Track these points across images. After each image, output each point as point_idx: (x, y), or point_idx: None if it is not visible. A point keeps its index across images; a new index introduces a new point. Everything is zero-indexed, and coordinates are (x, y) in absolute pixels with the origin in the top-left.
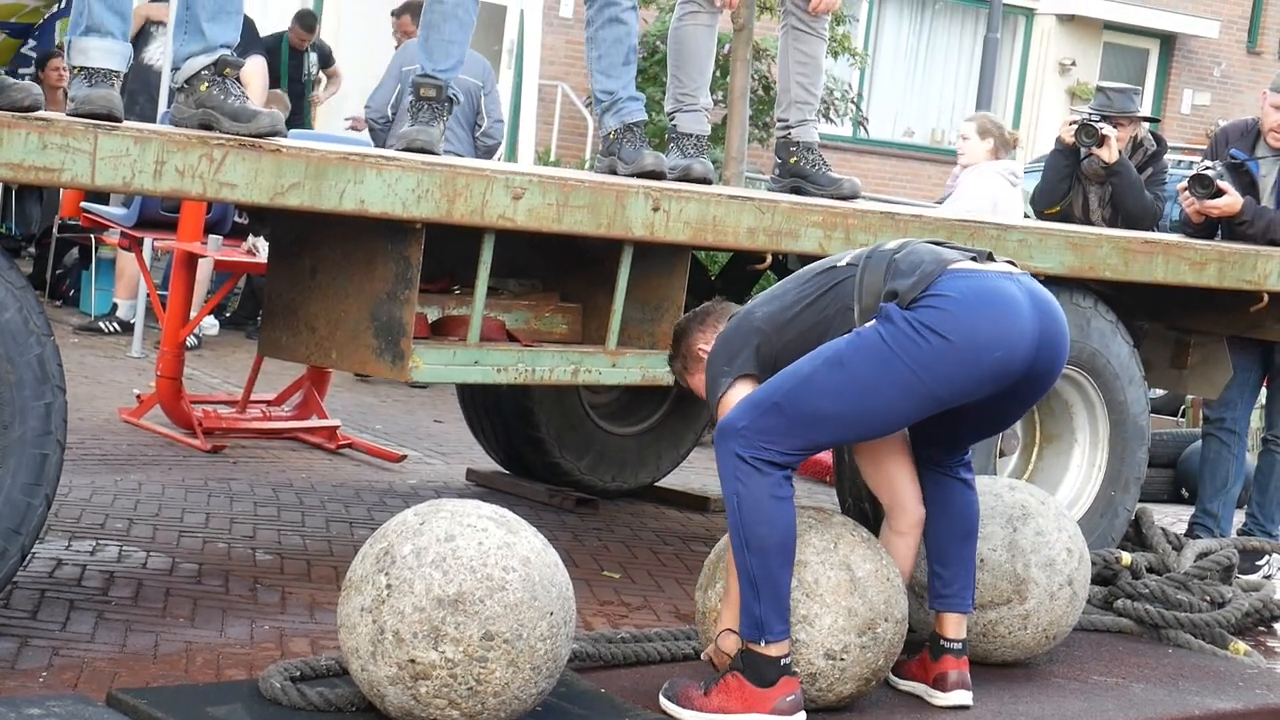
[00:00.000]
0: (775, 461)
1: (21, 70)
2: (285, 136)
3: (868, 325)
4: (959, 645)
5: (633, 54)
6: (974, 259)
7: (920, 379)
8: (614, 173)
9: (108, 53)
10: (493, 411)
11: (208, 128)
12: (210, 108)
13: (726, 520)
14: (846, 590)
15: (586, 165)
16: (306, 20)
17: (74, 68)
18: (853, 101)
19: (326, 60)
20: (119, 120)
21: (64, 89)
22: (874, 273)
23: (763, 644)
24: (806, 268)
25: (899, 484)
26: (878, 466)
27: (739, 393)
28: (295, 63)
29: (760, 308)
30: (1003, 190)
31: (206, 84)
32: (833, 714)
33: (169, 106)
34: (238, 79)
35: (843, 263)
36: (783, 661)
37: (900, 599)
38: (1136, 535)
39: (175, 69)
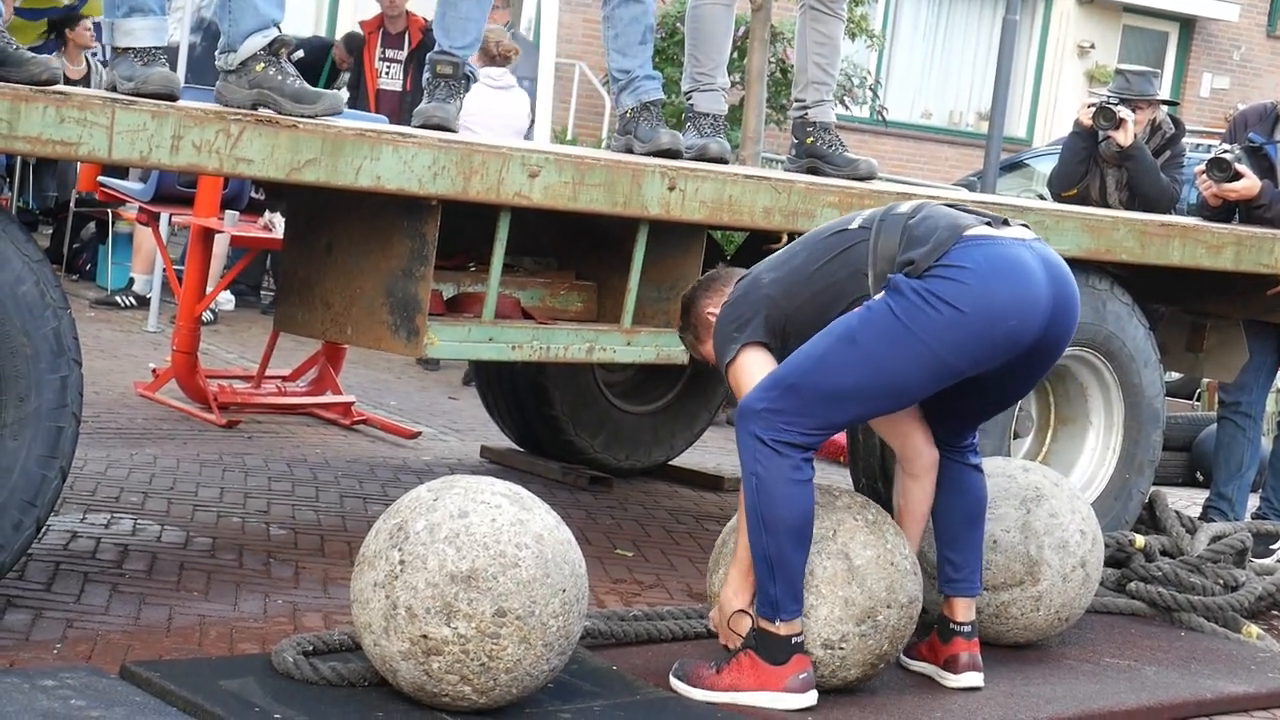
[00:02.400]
0: (795, 443)
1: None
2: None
3: (877, 298)
4: (969, 628)
5: (649, 33)
6: (989, 224)
7: (932, 349)
8: (630, 151)
9: (153, 30)
10: (507, 389)
11: (259, 108)
12: (268, 89)
13: (743, 500)
14: (843, 580)
15: (603, 144)
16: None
17: (119, 48)
18: (871, 89)
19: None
20: (176, 98)
21: (84, 53)
22: (888, 236)
23: (776, 623)
24: (815, 230)
25: (910, 430)
26: (889, 418)
27: (748, 359)
28: (332, 77)
29: (768, 273)
30: (483, 95)
31: (263, 64)
32: (842, 695)
33: (185, 80)
34: (289, 58)
35: (854, 225)
36: (794, 640)
37: (906, 582)
38: (1150, 518)
39: (228, 51)
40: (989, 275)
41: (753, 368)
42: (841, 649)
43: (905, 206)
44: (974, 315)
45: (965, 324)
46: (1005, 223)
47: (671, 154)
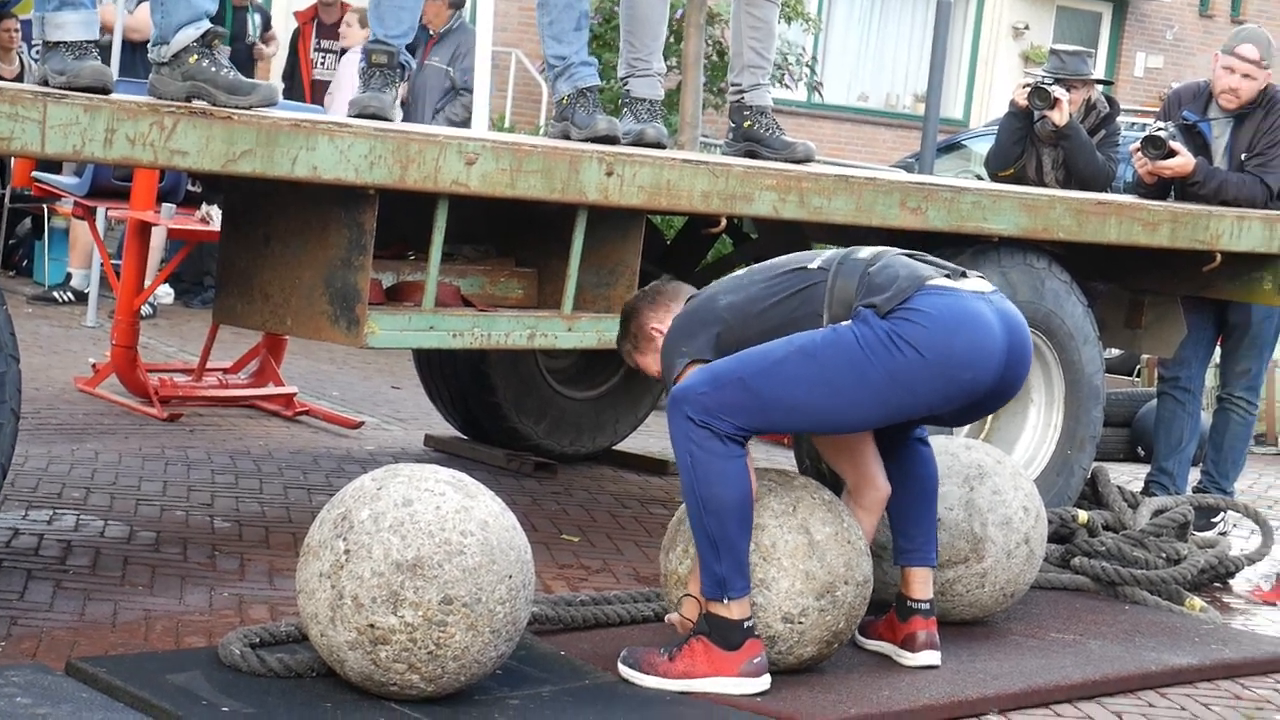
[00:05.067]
0: (727, 433)
1: None
2: (278, 105)
3: (843, 324)
4: (927, 605)
5: (584, 19)
6: (948, 276)
7: (890, 388)
8: (567, 138)
9: (83, 24)
10: (450, 377)
11: (192, 100)
12: (202, 81)
13: (681, 483)
14: (804, 554)
15: (541, 131)
16: None
17: (51, 42)
18: (807, 65)
19: (266, 24)
20: (109, 91)
21: (15, 51)
22: (845, 280)
23: (725, 601)
24: (774, 261)
25: (863, 460)
26: (839, 445)
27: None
28: (238, 22)
29: (725, 296)
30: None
31: (196, 56)
32: (791, 675)
33: (119, 74)
34: (221, 48)
35: (814, 265)
36: (746, 624)
37: (862, 561)
38: (1093, 493)
39: (161, 43)
40: (950, 325)
41: None
42: (801, 623)
43: (865, 252)
44: (934, 362)
45: (924, 368)
46: (963, 274)
47: (609, 140)
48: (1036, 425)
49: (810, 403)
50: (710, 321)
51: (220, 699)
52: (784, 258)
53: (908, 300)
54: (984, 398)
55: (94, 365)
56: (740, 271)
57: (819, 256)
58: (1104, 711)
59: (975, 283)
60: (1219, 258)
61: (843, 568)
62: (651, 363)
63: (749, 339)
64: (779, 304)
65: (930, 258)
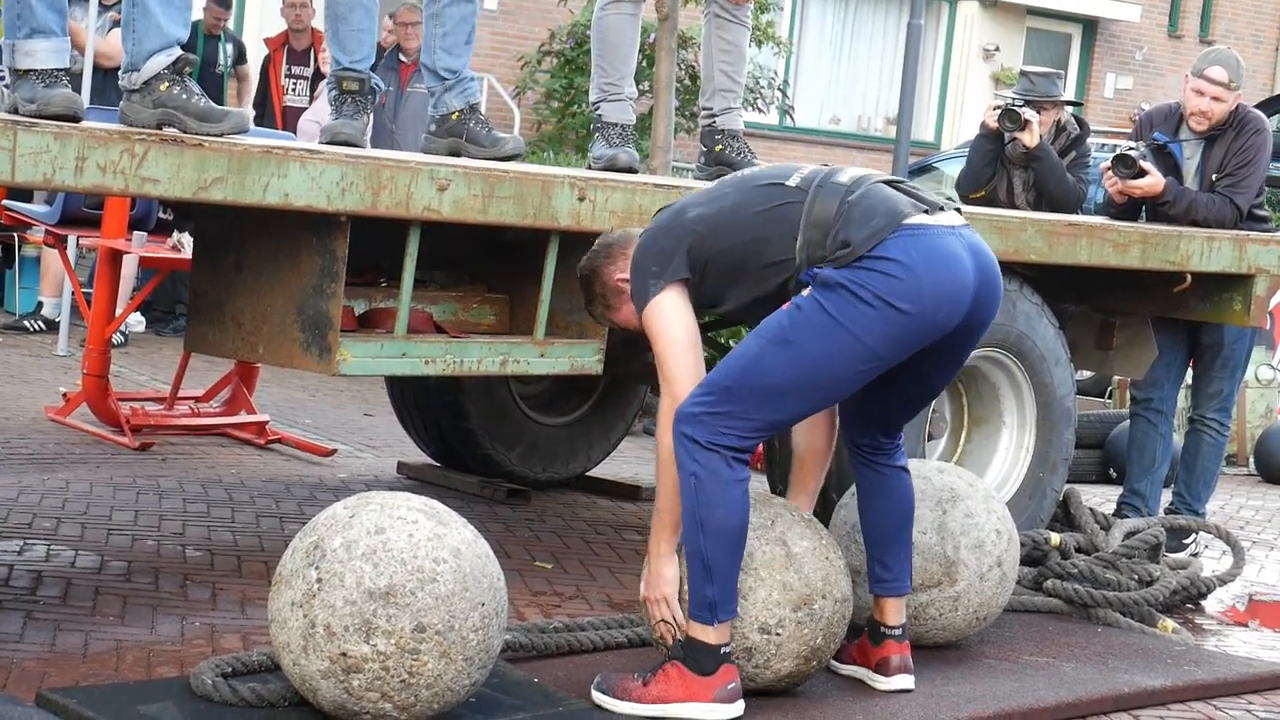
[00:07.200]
0: (732, 445)
1: None
2: (249, 133)
3: (804, 294)
4: (899, 631)
5: (474, 33)
6: (926, 211)
7: (863, 342)
8: (456, 154)
9: (55, 52)
10: (422, 404)
11: (164, 127)
12: (173, 108)
13: (681, 503)
14: (781, 565)
15: None
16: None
17: (20, 70)
18: (779, 89)
19: (241, 56)
20: (80, 120)
21: None
22: (824, 204)
23: (715, 624)
24: (747, 174)
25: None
26: None
27: (668, 304)
28: (210, 49)
29: (694, 208)
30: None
31: (167, 83)
32: (766, 698)
33: (91, 101)
34: (192, 75)
35: (790, 182)
36: (723, 650)
37: (841, 580)
38: (1065, 516)
39: (132, 70)
40: (923, 271)
41: (672, 313)
42: (778, 634)
43: (844, 177)
44: (907, 309)
45: (897, 318)
46: (940, 208)
47: (515, 159)
48: (1009, 448)
49: (797, 384)
50: (680, 235)
51: None
52: (760, 170)
53: (881, 244)
54: (954, 334)
55: (65, 394)
56: (711, 184)
57: (797, 173)
58: None
59: (949, 216)
60: (1189, 279)
61: (820, 582)
62: (630, 314)
63: (720, 251)
64: (753, 218)
65: (909, 186)
